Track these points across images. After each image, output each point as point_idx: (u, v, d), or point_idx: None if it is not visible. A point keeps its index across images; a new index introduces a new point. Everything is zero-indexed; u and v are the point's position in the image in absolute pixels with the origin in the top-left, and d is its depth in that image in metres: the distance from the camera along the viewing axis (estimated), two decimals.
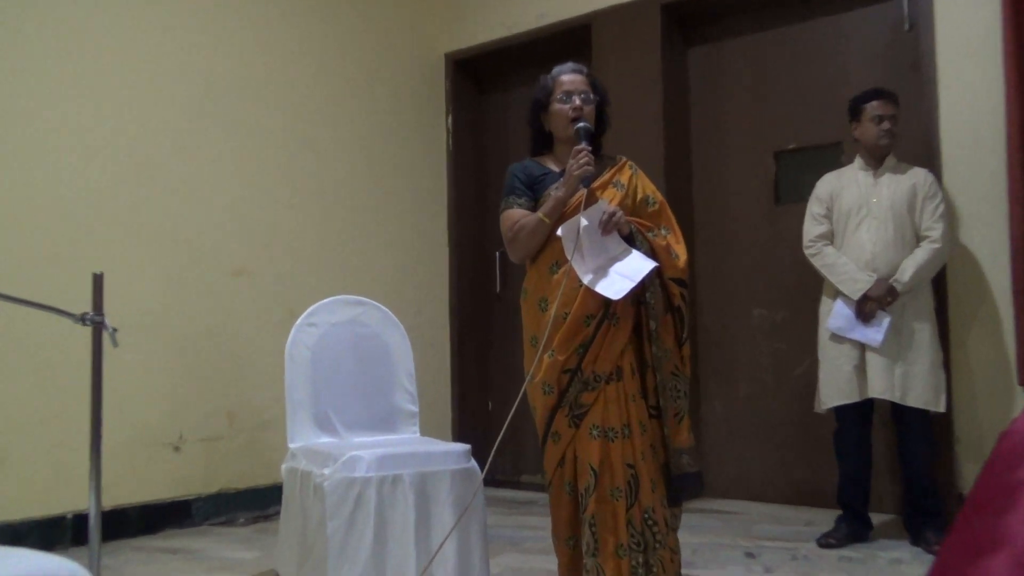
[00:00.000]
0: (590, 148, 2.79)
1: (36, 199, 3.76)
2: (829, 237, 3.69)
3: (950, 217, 3.65)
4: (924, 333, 3.53)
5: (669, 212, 2.96)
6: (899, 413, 3.58)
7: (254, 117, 4.47)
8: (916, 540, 3.55)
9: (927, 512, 3.54)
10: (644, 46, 4.57)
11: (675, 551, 2.74)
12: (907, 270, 3.50)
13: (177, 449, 4.11)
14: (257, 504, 4.31)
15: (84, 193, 3.89)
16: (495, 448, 2.77)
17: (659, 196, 2.97)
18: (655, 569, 2.67)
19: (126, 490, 3.93)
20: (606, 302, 2.71)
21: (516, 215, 2.86)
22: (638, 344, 2.81)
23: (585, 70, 2.99)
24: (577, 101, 2.87)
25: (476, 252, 5.42)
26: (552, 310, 2.73)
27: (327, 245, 4.73)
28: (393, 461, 2.92)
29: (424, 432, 3.60)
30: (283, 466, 3.27)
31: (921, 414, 3.51)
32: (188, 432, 4.14)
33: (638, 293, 2.76)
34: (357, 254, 4.86)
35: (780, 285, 4.36)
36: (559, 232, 2.72)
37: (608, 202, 2.80)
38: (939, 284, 3.70)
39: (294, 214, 4.60)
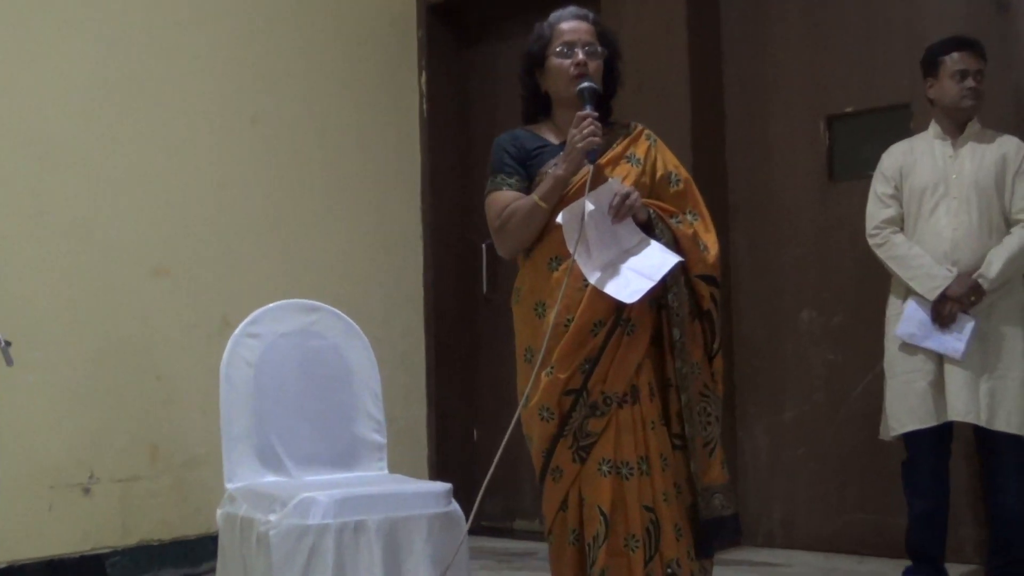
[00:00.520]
0: (597, 114, 2.80)
1: None
2: (898, 222, 3.71)
3: None
4: (1016, 341, 3.54)
5: (696, 193, 2.97)
6: (985, 440, 3.59)
7: (177, 82, 4.47)
8: None
9: (1020, 562, 3.56)
10: None
11: None
12: (995, 263, 3.51)
13: (87, 491, 4.10)
14: (186, 559, 4.31)
15: None
16: (483, 488, 2.78)
17: (684, 173, 2.98)
18: None
19: (24, 543, 3.93)
20: (618, 306, 2.72)
21: (505, 199, 2.86)
22: (658, 358, 2.82)
23: (591, 16, 3.00)
24: (581, 55, 2.88)
25: (457, 244, 5.43)
26: (551, 316, 2.74)
27: (271, 237, 4.73)
28: (356, 505, 2.93)
29: (394, 469, 3.61)
30: (219, 512, 3.27)
31: (1013, 441, 3.53)
32: (101, 470, 4.14)
33: (658, 294, 2.77)
34: (309, 248, 4.86)
35: (836, 282, 4.38)
36: (559, 219, 2.73)
37: (620, 181, 2.81)
38: None
39: (229, 200, 4.61)
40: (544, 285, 2.81)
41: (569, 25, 2.94)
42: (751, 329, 4.58)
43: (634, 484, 2.70)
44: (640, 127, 2.99)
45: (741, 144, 4.65)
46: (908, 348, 3.62)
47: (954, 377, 3.52)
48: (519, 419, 2.80)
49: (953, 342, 3.52)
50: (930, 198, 3.63)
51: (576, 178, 2.80)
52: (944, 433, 3.63)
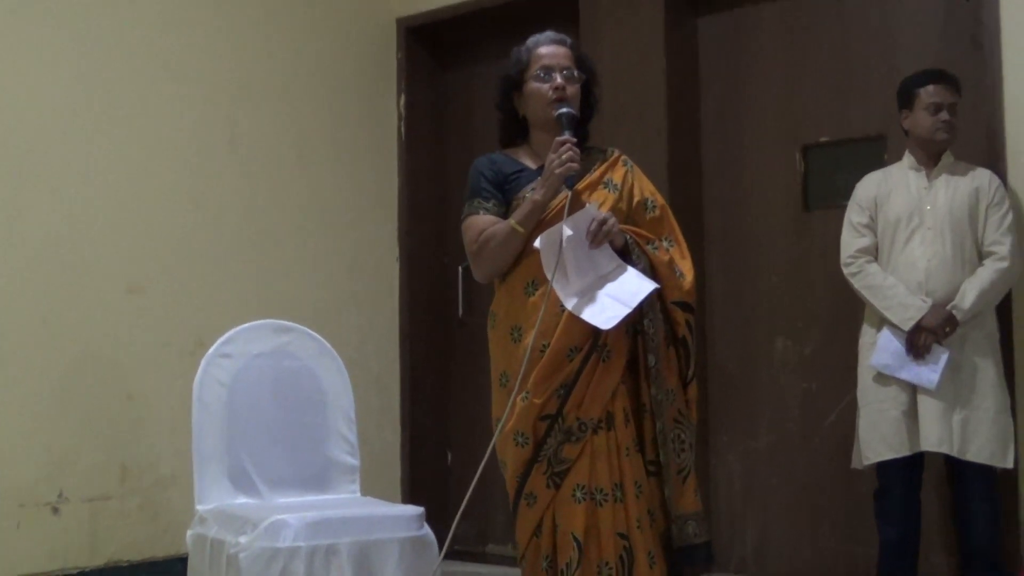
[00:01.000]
0: (576, 140, 2.81)
1: None
2: (873, 252, 3.72)
3: (1020, 229, 3.69)
4: (988, 372, 3.56)
5: (673, 219, 2.98)
6: (957, 470, 3.60)
7: (153, 98, 4.45)
8: None
9: None
10: (643, 13, 4.60)
11: None
12: (968, 294, 3.53)
13: (56, 511, 4.06)
14: None
15: None
16: (459, 513, 2.77)
17: (660, 199, 2.99)
18: None
19: None
20: (594, 332, 2.72)
21: (482, 223, 2.87)
22: (634, 384, 2.82)
23: (569, 41, 3.02)
24: (559, 79, 2.89)
25: (434, 267, 5.42)
26: (527, 341, 2.74)
27: (246, 257, 4.71)
28: (327, 527, 2.91)
29: (366, 492, 3.58)
30: (189, 533, 3.25)
31: (984, 471, 3.54)
32: (70, 490, 4.10)
33: (634, 320, 2.77)
34: (284, 269, 4.84)
35: (810, 310, 4.39)
36: (536, 244, 2.73)
37: (597, 207, 2.82)
38: (1006, 312, 3.74)
39: (205, 219, 4.58)
40: (520, 310, 2.82)
41: (547, 49, 2.95)
42: (725, 356, 4.58)
43: (608, 511, 2.69)
44: (617, 153, 3.00)
45: (717, 171, 4.66)
46: (882, 377, 3.63)
47: (927, 407, 3.53)
48: (494, 444, 2.79)
49: (928, 373, 3.53)
50: (904, 228, 3.65)
51: (554, 203, 2.81)
52: (916, 462, 3.64)
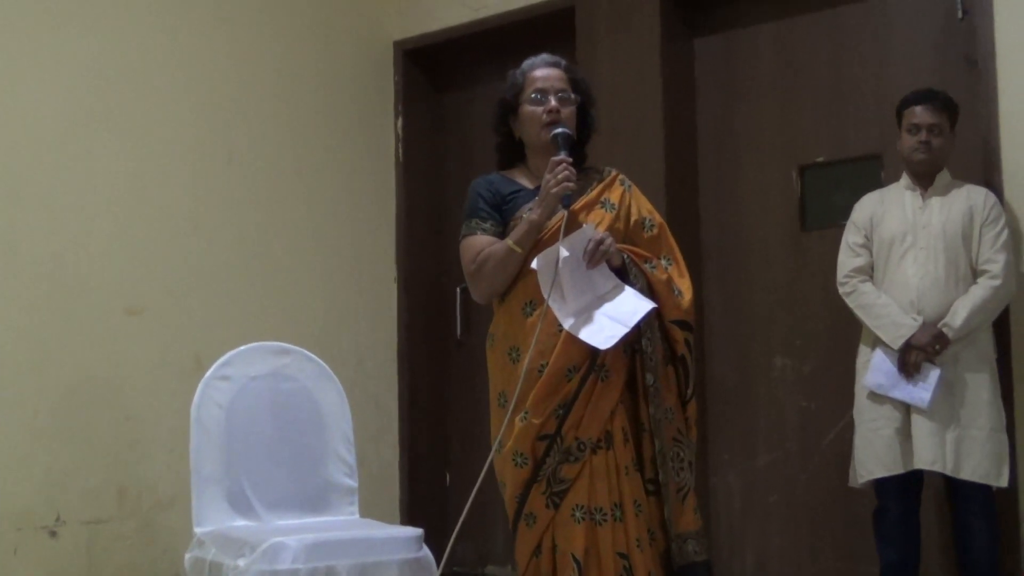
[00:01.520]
0: (571, 159, 2.82)
1: None
2: (868, 271, 3.73)
3: (1015, 247, 3.70)
4: (982, 390, 3.56)
5: (671, 238, 2.99)
6: (954, 488, 3.60)
7: (152, 118, 4.46)
8: None
9: None
10: (640, 34, 4.61)
11: None
12: (960, 312, 3.53)
13: (54, 534, 4.04)
14: None
15: None
16: (455, 533, 2.76)
17: (658, 218, 2.99)
18: None
19: None
20: (592, 352, 2.72)
21: (480, 243, 2.87)
22: (632, 403, 2.82)
23: (563, 63, 3.03)
24: (553, 101, 2.91)
25: (432, 289, 5.42)
26: (525, 362, 2.74)
27: (244, 278, 4.71)
28: (326, 550, 2.90)
29: (365, 513, 3.57)
30: (187, 556, 3.23)
31: (980, 489, 3.54)
32: (67, 513, 4.08)
33: (632, 340, 2.78)
34: (282, 290, 4.84)
35: (808, 329, 4.39)
36: (533, 264, 2.74)
37: (595, 226, 2.82)
38: (1001, 329, 3.74)
39: (203, 239, 4.58)
40: (518, 330, 2.82)
41: (541, 72, 2.97)
42: (724, 375, 4.58)
43: (608, 530, 2.69)
44: (614, 172, 3.01)
45: (714, 191, 4.67)
46: (876, 396, 3.64)
47: (920, 426, 3.54)
48: (492, 464, 2.79)
49: (919, 392, 3.54)
50: (899, 247, 3.67)
51: (551, 223, 2.82)
52: (913, 482, 3.64)
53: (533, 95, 2.93)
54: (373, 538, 3.01)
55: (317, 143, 5.06)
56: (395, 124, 5.40)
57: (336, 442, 3.47)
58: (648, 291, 2.83)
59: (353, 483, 3.48)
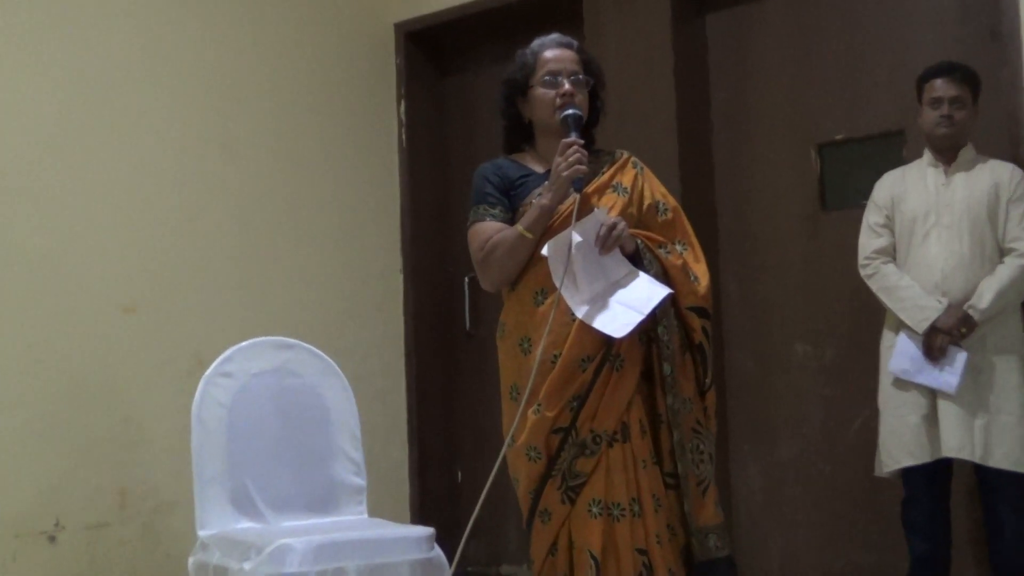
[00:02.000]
0: (583, 141, 2.81)
1: None
2: (890, 252, 3.71)
3: None
4: (1011, 374, 3.53)
5: (685, 222, 2.98)
6: (984, 477, 3.58)
7: (143, 110, 4.45)
8: None
9: None
10: (649, 10, 4.60)
11: None
12: (986, 293, 3.51)
13: (53, 539, 4.05)
14: None
15: None
16: (467, 532, 2.75)
17: (672, 201, 2.99)
18: None
19: None
20: (607, 341, 2.72)
21: (488, 229, 2.87)
22: (649, 394, 2.82)
23: (576, 44, 3.03)
24: (567, 84, 2.90)
25: (439, 278, 5.41)
26: (538, 352, 2.74)
27: (245, 272, 4.70)
28: (334, 551, 2.90)
29: (374, 513, 3.57)
30: (190, 560, 3.23)
31: (1011, 477, 3.51)
32: (67, 517, 4.09)
33: (648, 328, 2.77)
34: (284, 283, 4.84)
35: (829, 313, 4.37)
36: (544, 251, 2.73)
37: (607, 211, 2.81)
38: None
39: (200, 233, 4.58)
40: (530, 320, 2.82)
41: (554, 53, 2.96)
42: (742, 363, 4.57)
43: (626, 526, 2.68)
44: (626, 155, 3.00)
45: (729, 172, 4.65)
46: (901, 383, 3.62)
47: (947, 412, 3.52)
48: (505, 459, 2.78)
49: (946, 376, 3.51)
50: (921, 226, 3.64)
51: (562, 208, 2.81)
52: (941, 470, 3.62)
53: (546, 77, 2.92)
54: (383, 538, 3.01)
55: (317, 130, 5.06)
56: (398, 109, 5.40)
57: (343, 440, 3.47)
58: (663, 277, 2.82)
59: (361, 482, 3.47)
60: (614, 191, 2.90)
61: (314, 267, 4.96)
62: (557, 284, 2.71)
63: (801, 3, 4.52)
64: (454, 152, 5.49)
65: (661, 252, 2.86)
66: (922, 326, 3.54)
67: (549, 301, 2.76)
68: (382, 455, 5.05)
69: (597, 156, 2.96)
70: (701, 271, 2.90)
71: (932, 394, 3.56)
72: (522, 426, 2.76)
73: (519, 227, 2.80)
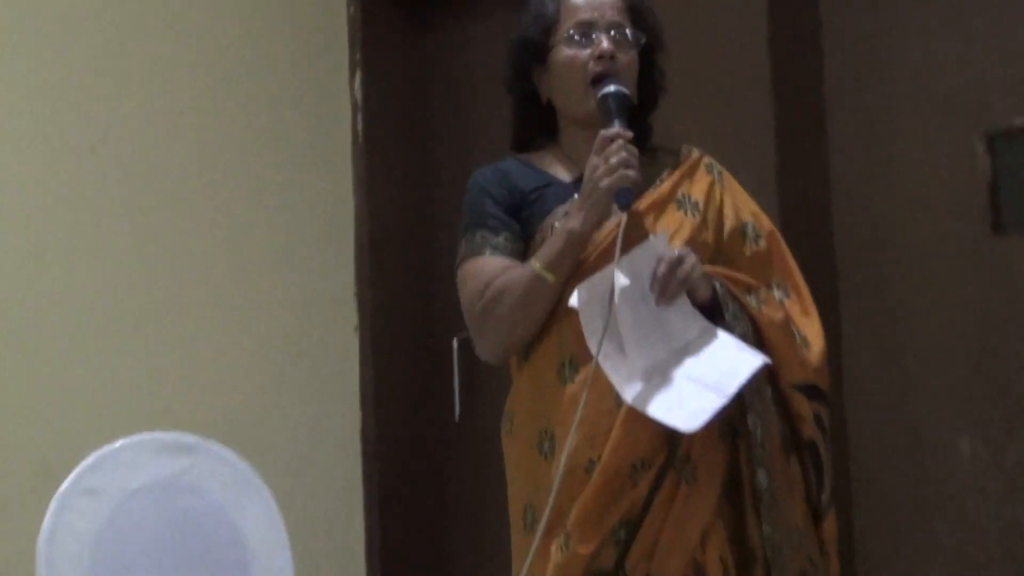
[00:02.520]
0: (631, 134, 2.81)
1: None
2: None
3: None
4: None
5: (787, 255, 2.99)
6: None
7: None
8: None
9: None
10: None
11: None
12: None
13: None
14: None
15: None
16: None
17: (767, 223, 3.00)
18: None
19: None
20: (670, 438, 2.72)
21: (489, 269, 2.88)
22: (735, 518, 2.82)
23: None
24: (605, 42, 2.92)
25: (413, 341, 5.43)
26: (563, 456, 2.73)
27: (121, 333, 4.72)
28: None
29: None
30: None
31: None
32: None
33: (734, 418, 2.77)
34: (179, 351, 4.85)
35: (1013, 394, 4.37)
36: (573, 301, 2.73)
37: (668, 238, 2.81)
38: None
39: (51, 273, 4.59)
40: (552, 406, 2.82)
41: None
42: (879, 467, 4.56)
43: None
44: (697, 154, 3.01)
45: (853, 178, 4.66)
46: None
47: None
48: None
49: None
50: None
51: (600, 235, 2.81)
52: None
53: (571, 32, 2.94)
54: None
55: (228, 120, 5.08)
56: (350, 84, 5.43)
57: None
58: (755, 338, 2.81)
59: None
60: (679, 208, 2.90)
61: (225, 326, 4.97)
62: (593, 351, 2.71)
63: None
64: (436, 149, 5.52)
65: (751, 300, 2.86)
66: None
67: (582, 378, 2.76)
68: None
69: (653, 156, 2.97)
70: (812, 330, 2.90)
71: None
72: (542, 567, 2.75)
73: (535, 264, 2.81)
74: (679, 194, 2.92)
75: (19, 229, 4.54)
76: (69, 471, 3.37)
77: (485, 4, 5.36)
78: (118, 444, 3.43)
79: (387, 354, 5.37)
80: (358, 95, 5.41)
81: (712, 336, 2.79)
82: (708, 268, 2.84)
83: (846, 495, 4.50)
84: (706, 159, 3.01)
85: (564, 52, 2.94)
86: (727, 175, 3.01)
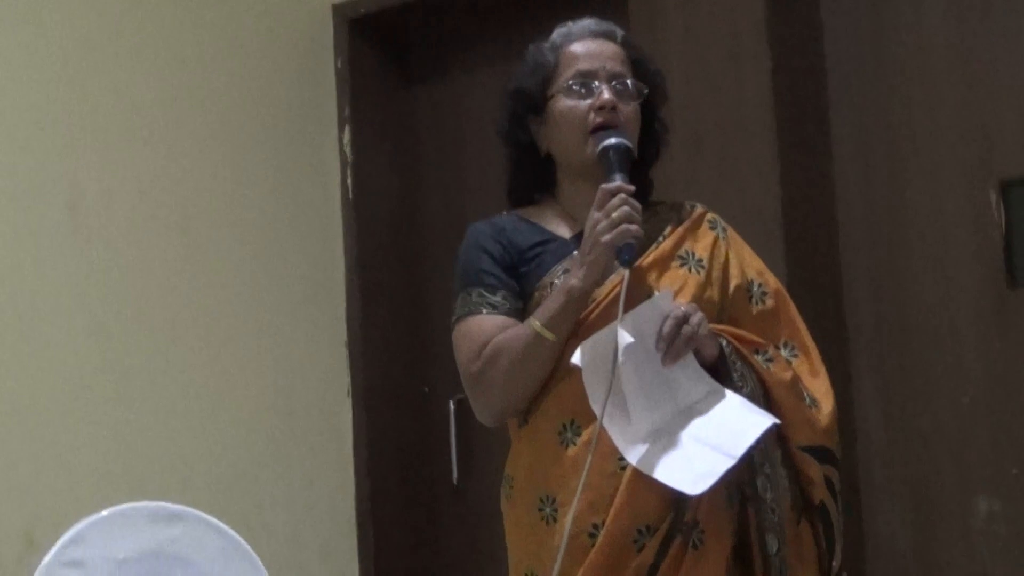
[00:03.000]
0: (632, 188, 2.82)
1: None
2: None
3: None
4: None
5: (794, 312, 3.00)
6: None
7: None
8: None
9: None
10: None
11: None
12: None
13: None
14: None
15: None
16: None
17: (773, 280, 3.00)
18: None
19: None
20: (676, 501, 2.72)
21: (486, 328, 2.89)
22: None
23: (619, 32, 3.07)
24: (606, 92, 2.93)
25: (407, 402, 5.42)
26: (567, 521, 2.73)
27: (104, 397, 4.71)
28: None
29: None
30: None
31: None
32: None
33: (742, 481, 2.77)
34: (166, 416, 4.84)
35: None
36: (575, 359, 2.74)
37: (672, 295, 2.82)
38: None
39: (33, 333, 4.59)
40: (553, 469, 2.82)
41: (586, 47, 2.99)
42: (892, 532, 4.56)
43: None
44: (700, 210, 3.02)
45: (863, 230, 4.66)
46: None
47: None
48: None
49: None
50: None
51: (601, 291, 2.82)
52: None
53: (571, 83, 2.95)
54: None
55: (216, 176, 5.08)
56: (339, 137, 5.43)
57: None
58: (763, 399, 2.82)
59: None
60: (683, 265, 2.91)
61: (211, 392, 4.96)
62: (597, 411, 2.72)
63: None
64: (430, 202, 5.52)
65: (758, 360, 2.86)
66: None
67: (584, 440, 2.77)
68: None
69: (655, 211, 2.98)
70: (822, 390, 2.90)
71: None
72: None
73: (534, 323, 2.81)
74: (682, 251, 2.93)
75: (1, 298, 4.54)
76: (53, 542, 3.36)
77: (474, 58, 5.38)
78: (104, 514, 3.42)
79: (381, 417, 5.36)
80: (347, 150, 5.42)
81: (719, 396, 2.79)
82: (715, 326, 2.85)
83: (859, 558, 4.49)
84: (709, 215, 3.02)
85: (563, 102, 2.95)
86: (731, 231, 3.02)
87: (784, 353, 2.92)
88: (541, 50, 3.03)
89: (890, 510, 4.58)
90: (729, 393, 2.79)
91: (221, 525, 3.54)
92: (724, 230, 3.00)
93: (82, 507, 3.60)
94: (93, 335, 4.72)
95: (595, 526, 2.75)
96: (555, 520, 2.80)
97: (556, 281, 2.87)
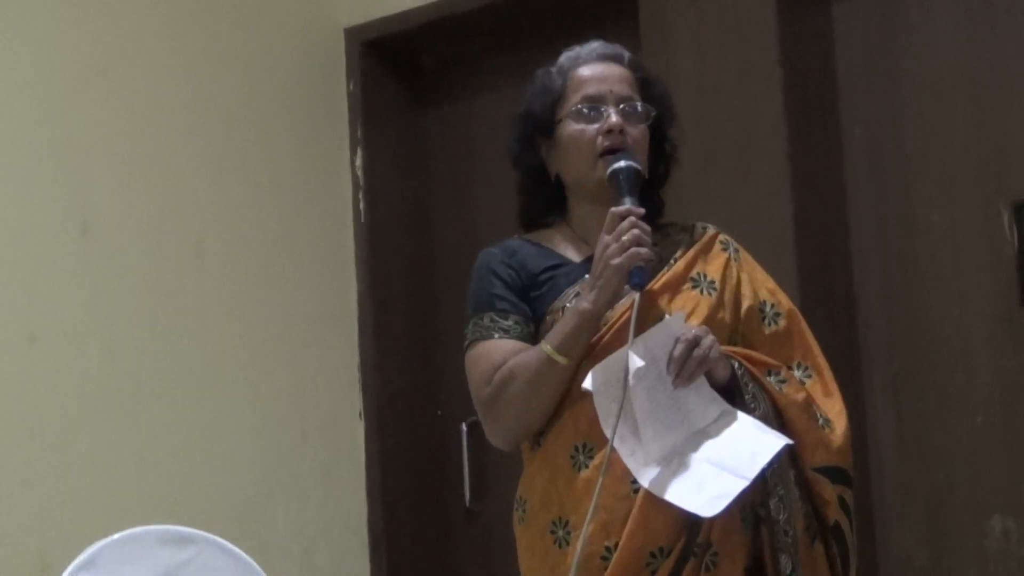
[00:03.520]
0: (643, 210, 2.82)
1: None
2: None
3: None
4: None
5: (807, 333, 2.99)
6: None
7: None
8: None
9: None
10: (743, 3, 4.65)
11: None
12: None
13: None
14: None
15: None
16: None
17: (785, 301, 3.00)
18: None
19: None
20: (690, 523, 2.71)
21: (498, 352, 2.89)
22: None
23: (627, 56, 3.07)
24: (614, 117, 2.93)
25: (420, 426, 5.42)
26: (579, 543, 2.72)
27: (115, 423, 4.71)
28: None
29: None
30: None
31: None
32: None
33: (755, 502, 2.76)
34: (178, 441, 4.84)
35: None
36: (587, 384, 2.74)
37: (683, 318, 2.82)
38: None
39: (46, 359, 4.60)
40: (565, 492, 2.82)
41: (593, 70, 2.99)
42: (907, 551, 4.55)
43: None
44: (712, 231, 3.02)
45: (875, 248, 4.66)
46: None
47: None
48: None
49: None
50: None
51: (612, 314, 2.82)
52: None
53: (580, 106, 2.96)
54: None
55: (228, 199, 5.08)
56: (351, 160, 5.43)
57: None
58: (776, 420, 2.82)
59: None
60: (694, 287, 2.91)
61: (223, 415, 4.96)
62: (608, 434, 2.72)
63: None
64: (441, 226, 5.52)
65: (771, 381, 2.86)
66: None
67: (596, 463, 2.76)
68: None
69: (666, 233, 2.99)
70: (835, 410, 2.90)
71: None
72: None
73: (546, 347, 2.81)
74: (694, 273, 2.93)
75: (14, 319, 4.55)
76: (66, 565, 3.37)
77: (486, 80, 5.38)
78: (115, 537, 3.42)
79: (393, 440, 5.35)
80: (360, 172, 5.42)
81: (732, 418, 2.79)
82: (727, 348, 2.85)
83: None
84: (721, 236, 3.02)
85: (572, 127, 2.96)
86: (744, 252, 3.02)
87: (797, 374, 2.92)
88: (549, 74, 3.04)
89: (904, 530, 4.57)
90: (741, 415, 2.79)
91: (233, 548, 3.54)
92: (736, 251, 3.00)
93: (95, 530, 3.61)
94: (106, 358, 4.72)
95: (608, 548, 2.74)
96: (568, 543, 2.79)
97: (568, 305, 2.87)
